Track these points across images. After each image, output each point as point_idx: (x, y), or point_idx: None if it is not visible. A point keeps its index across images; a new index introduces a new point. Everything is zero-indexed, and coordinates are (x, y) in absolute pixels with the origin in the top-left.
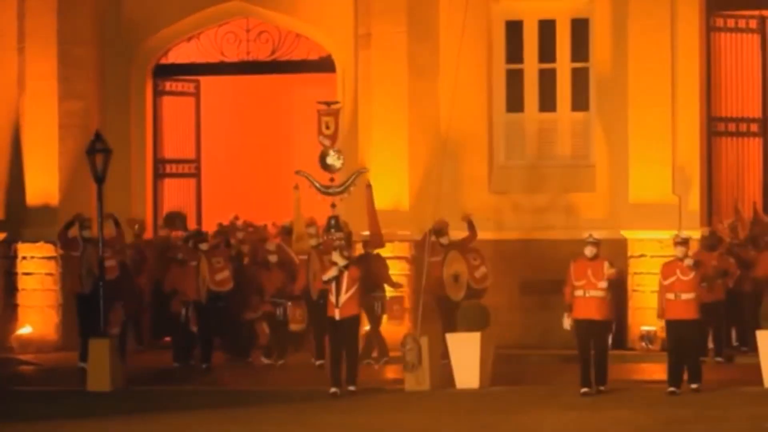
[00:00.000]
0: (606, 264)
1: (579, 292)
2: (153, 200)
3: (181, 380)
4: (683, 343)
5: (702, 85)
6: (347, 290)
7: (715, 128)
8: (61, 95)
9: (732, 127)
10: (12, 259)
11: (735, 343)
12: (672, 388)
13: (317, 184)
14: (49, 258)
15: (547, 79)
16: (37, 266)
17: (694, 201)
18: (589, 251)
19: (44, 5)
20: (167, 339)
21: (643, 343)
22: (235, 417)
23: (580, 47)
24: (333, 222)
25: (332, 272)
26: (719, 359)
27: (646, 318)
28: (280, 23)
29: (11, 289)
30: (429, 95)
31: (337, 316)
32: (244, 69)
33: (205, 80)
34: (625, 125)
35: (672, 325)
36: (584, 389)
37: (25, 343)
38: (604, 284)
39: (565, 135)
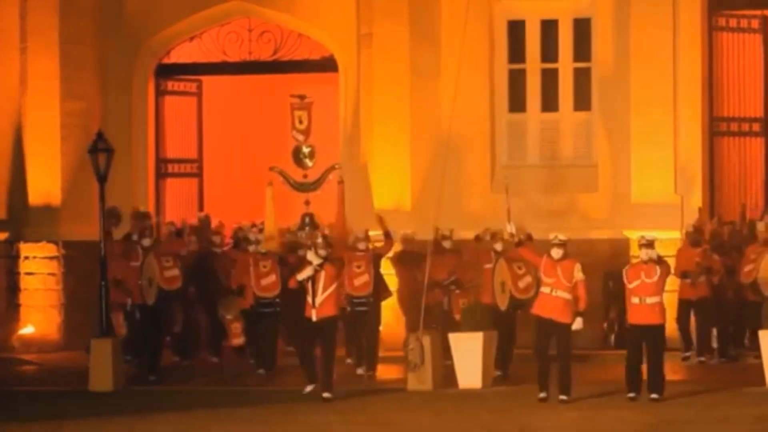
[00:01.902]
0: (577, 266)
1: (546, 289)
2: (155, 200)
3: (182, 380)
4: (646, 348)
5: (704, 85)
6: (324, 290)
7: (718, 128)
8: (63, 95)
9: (734, 126)
10: (14, 258)
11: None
12: (632, 394)
13: (291, 181)
14: (52, 258)
15: (550, 79)
16: (39, 266)
17: (696, 201)
18: (555, 253)
19: (46, 5)
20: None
21: None
22: (237, 417)
23: (583, 47)
24: (307, 220)
25: (307, 271)
26: (702, 359)
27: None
28: (282, 23)
29: (13, 288)
30: (431, 95)
31: (314, 317)
32: (246, 69)
33: (207, 80)
34: (627, 125)
35: (636, 330)
36: (542, 394)
37: (27, 343)
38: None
39: (567, 135)
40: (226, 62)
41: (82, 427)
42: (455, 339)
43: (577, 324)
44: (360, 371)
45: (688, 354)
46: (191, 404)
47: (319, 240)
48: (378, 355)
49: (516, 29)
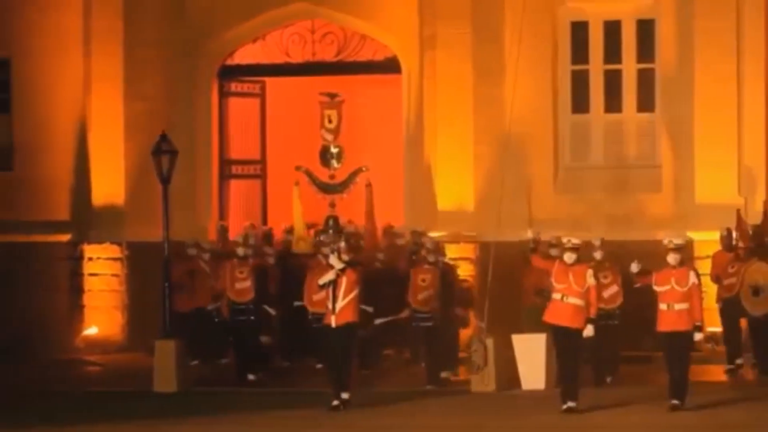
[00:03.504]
0: (589, 272)
1: (557, 296)
2: (219, 201)
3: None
4: (674, 354)
5: None
6: (345, 296)
7: None
8: (127, 96)
9: None
10: (78, 260)
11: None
12: (675, 401)
13: (317, 181)
14: (115, 259)
15: (613, 80)
16: (102, 267)
17: (759, 202)
18: (568, 257)
19: (110, 7)
20: None
21: (709, 345)
22: (298, 417)
23: (646, 48)
24: (331, 222)
25: (329, 276)
26: (739, 362)
27: (712, 319)
28: (345, 24)
29: (77, 290)
30: (494, 96)
31: (333, 324)
32: (309, 70)
33: (270, 81)
34: (690, 126)
35: (665, 337)
36: (571, 404)
37: (91, 344)
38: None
39: (630, 136)
40: (290, 63)
41: (146, 428)
42: (518, 340)
43: (588, 331)
44: (428, 387)
45: (732, 366)
46: (251, 406)
47: (343, 244)
48: (439, 375)
49: (579, 30)
